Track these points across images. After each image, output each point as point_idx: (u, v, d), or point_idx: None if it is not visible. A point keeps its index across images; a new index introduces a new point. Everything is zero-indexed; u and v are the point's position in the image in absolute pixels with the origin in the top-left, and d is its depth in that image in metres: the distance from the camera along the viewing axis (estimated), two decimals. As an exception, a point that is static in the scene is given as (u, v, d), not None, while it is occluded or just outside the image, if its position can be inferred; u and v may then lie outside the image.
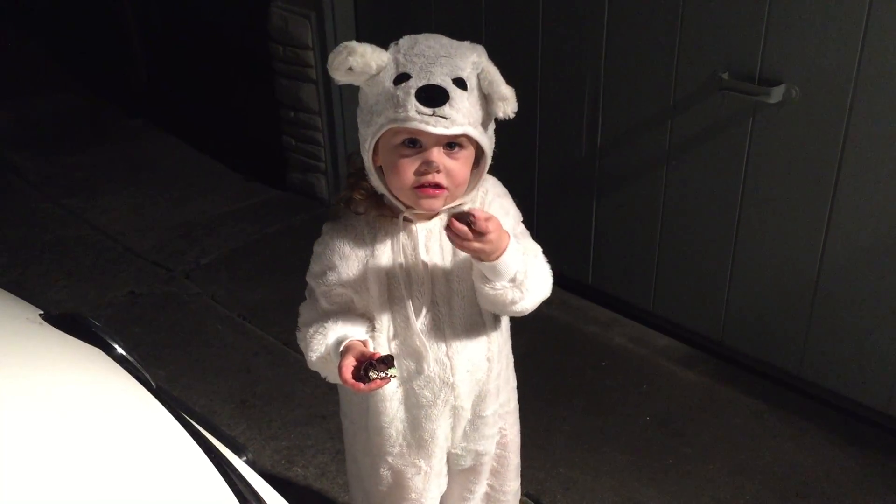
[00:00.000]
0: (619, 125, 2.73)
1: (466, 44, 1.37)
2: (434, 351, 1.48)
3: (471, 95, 1.32)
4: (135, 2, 4.71)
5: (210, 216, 3.77)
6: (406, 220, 1.43)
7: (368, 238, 1.44)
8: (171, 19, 4.56)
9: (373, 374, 1.34)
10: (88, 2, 5.09)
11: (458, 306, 1.48)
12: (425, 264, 1.44)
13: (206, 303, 3.13)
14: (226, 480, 1.11)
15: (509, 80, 1.36)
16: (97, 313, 3.03)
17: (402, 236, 1.44)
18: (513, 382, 1.69)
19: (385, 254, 1.44)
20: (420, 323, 1.46)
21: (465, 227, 1.31)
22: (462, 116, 1.30)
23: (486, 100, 1.34)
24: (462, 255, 1.44)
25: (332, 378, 1.48)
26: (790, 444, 2.42)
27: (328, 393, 2.61)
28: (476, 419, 1.61)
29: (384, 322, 1.47)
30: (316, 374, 2.66)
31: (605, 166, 2.83)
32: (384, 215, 1.44)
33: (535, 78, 2.87)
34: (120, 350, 1.33)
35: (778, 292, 2.54)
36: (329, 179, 3.80)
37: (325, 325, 1.46)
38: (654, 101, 2.61)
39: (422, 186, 1.34)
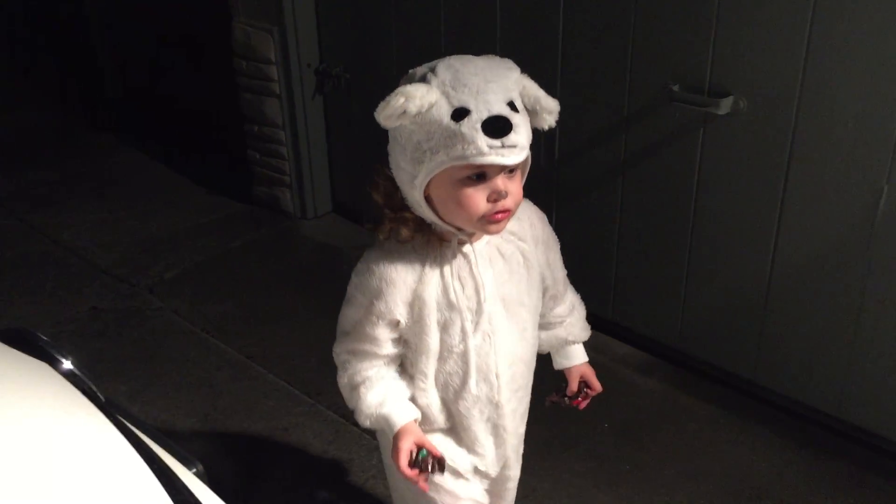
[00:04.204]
0: (576, 137, 2.77)
1: (498, 60, 1.36)
2: (483, 371, 1.49)
3: (523, 116, 1.32)
4: (101, 17, 4.70)
5: (174, 230, 3.76)
6: (460, 241, 1.43)
7: (417, 263, 1.42)
8: (137, 34, 4.57)
9: (428, 461, 1.47)
10: (55, 17, 5.08)
11: (508, 327, 1.49)
12: (480, 284, 1.44)
13: (170, 317, 3.13)
14: (169, 492, 1.12)
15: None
16: (59, 329, 3.02)
17: (455, 258, 1.43)
18: None
19: (435, 278, 1.42)
20: (473, 343, 1.46)
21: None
22: (524, 139, 1.30)
23: (529, 115, 1.35)
24: (517, 275, 1.49)
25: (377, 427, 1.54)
26: (744, 449, 2.46)
27: (290, 406, 2.63)
28: (516, 440, 1.64)
29: (432, 346, 1.46)
30: (279, 388, 2.70)
31: (562, 177, 2.87)
32: (431, 241, 1.42)
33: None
34: (67, 364, 1.34)
35: (732, 299, 2.59)
36: (294, 193, 3.81)
37: (377, 379, 1.49)
38: (608, 113, 2.66)
39: (493, 213, 1.34)
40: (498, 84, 1.29)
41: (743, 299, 2.56)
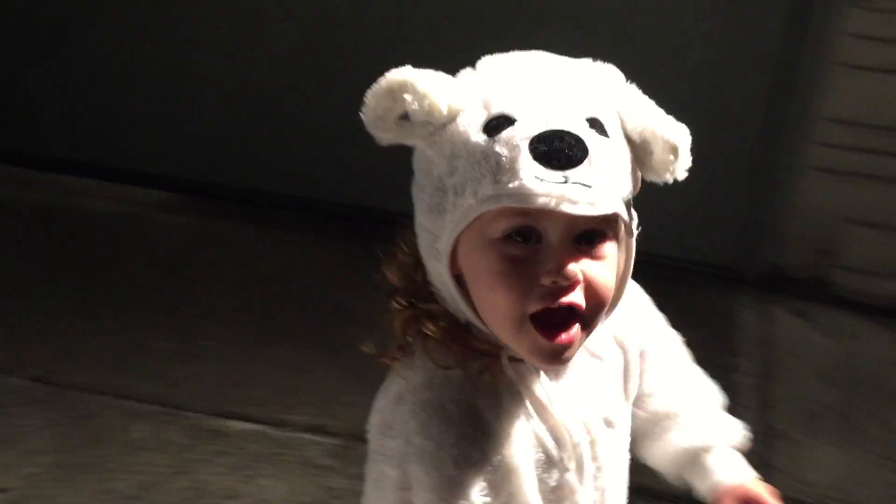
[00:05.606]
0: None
1: (589, 63, 0.84)
2: None
3: (616, 145, 0.80)
4: None
5: None
6: (513, 359, 0.86)
7: (482, 405, 0.86)
8: None
9: None
10: None
11: (619, 468, 0.98)
12: (566, 424, 0.90)
13: None
14: None
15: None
16: None
17: (521, 389, 0.87)
18: None
19: (518, 422, 0.87)
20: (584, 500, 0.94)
21: None
22: (612, 182, 0.78)
23: (635, 152, 0.82)
24: (612, 383, 0.96)
25: None
26: (269, 252, 2.74)
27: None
28: None
29: None
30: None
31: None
32: (493, 365, 0.86)
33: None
34: None
35: (223, 118, 2.89)
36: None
37: None
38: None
39: (545, 315, 0.78)
40: (574, 91, 0.80)
41: (232, 116, 2.85)
